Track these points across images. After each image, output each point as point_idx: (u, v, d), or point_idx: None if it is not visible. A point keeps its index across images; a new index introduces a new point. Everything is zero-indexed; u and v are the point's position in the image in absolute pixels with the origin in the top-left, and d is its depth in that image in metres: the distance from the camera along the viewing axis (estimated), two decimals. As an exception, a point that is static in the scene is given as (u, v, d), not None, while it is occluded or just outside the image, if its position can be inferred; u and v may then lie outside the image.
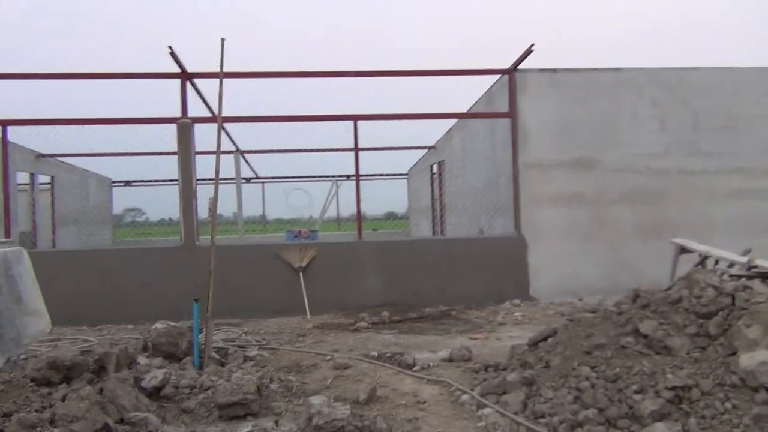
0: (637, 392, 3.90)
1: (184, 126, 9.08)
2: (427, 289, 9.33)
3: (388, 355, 6.26)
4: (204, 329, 6.22)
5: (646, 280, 9.34)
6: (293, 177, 20.20)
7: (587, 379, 4.22)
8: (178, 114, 9.25)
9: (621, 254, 9.60)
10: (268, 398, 4.81)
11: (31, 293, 5.44)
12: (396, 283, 9.30)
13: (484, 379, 5.07)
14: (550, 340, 5.21)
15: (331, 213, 23.41)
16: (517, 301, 9.22)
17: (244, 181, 21.83)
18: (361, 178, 23.02)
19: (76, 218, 17.25)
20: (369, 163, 22.47)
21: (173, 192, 23.85)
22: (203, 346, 6.01)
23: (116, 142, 11.82)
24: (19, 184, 14.46)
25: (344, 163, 19.15)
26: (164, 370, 5.05)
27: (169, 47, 8.76)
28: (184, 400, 4.77)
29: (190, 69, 9.33)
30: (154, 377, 4.85)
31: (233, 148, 15.53)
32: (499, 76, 10.16)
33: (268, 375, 5.42)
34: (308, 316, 8.85)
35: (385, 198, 23.41)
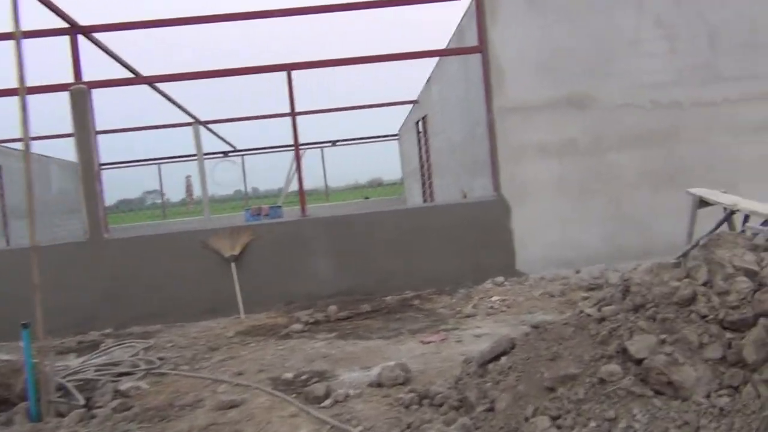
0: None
1: (80, 93, 7.39)
2: (391, 271, 7.63)
3: (304, 377, 4.64)
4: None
5: (659, 241, 7.60)
6: (273, 147, 18.44)
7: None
8: (72, 79, 7.55)
9: (626, 211, 7.80)
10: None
11: None
12: (352, 266, 7.62)
13: (408, 426, 3.40)
14: (503, 359, 3.51)
15: (318, 183, 21.69)
16: (500, 279, 7.49)
17: (223, 155, 20.21)
18: (349, 141, 21.26)
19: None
20: (357, 124, 20.73)
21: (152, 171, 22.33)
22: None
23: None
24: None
25: (334, 126, 17.41)
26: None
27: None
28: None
29: (87, 20, 7.61)
30: None
31: (189, 120, 13.83)
32: (467, 1, 8.28)
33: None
34: (242, 316, 7.23)
35: (379, 163, 21.65)
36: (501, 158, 7.72)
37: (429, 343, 5.18)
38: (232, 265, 7.41)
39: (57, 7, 7.15)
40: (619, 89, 7.77)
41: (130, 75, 8.59)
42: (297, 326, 6.21)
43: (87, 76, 7.61)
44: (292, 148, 14.95)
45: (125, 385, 4.84)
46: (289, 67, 7.57)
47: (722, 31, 7.86)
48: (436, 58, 11.60)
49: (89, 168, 7.42)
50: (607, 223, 7.76)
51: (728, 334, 2.52)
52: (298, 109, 8.35)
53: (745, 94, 7.85)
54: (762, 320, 2.42)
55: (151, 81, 7.88)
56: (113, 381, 4.96)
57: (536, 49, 7.72)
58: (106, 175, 21.04)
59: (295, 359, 5.17)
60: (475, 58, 8.19)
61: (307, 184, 21.77)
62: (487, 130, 7.93)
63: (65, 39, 7.58)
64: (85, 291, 7.32)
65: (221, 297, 7.41)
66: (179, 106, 12.22)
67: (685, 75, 7.81)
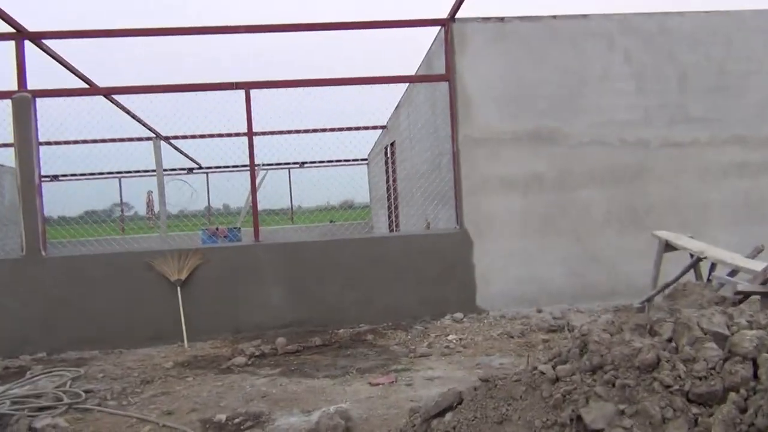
0: None
1: (22, 102, 6.97)
2: (347, 302, 7.29)
3: (237, 420, 4.27)
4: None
5: (624, 281, 7.44)
6: (237, 166, 17.98)
7: None
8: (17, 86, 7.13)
9: (591, 250, 7.59)
10: None
11: None
12: (306, 296, 7.26)
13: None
14: (449, 416, 3.19)
15: (286, 203, 21.25)
16: (459, 315, 7.20)
17: (188, 171, 19.72)
18: (318, 164, 20.94)
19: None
20: (328, 146, 20.39)
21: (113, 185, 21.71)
22: None
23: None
24: None
25: (304, 147, 17.10)
26: None
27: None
28: None
29: (39, 27, 7.23)
30: None
31: (149, 134, 13.39)
32: (437, 28, 8.07)
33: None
34: (185, 345, 6.80)
35: (348, 187, 21.30)
36: (465, 190, 7.47)
37: (377, 385, 4.84)
38: (178, 289, 7.01)
39: (3, 12, 6.76)
40: (587, 125, 7.61)
41: (84, 85, 8.19)
42: (240, 359, 5.81)
43: (39, 86, 7.21)
44: (273, 166, 14.60)
45: (42, 422, 4.40)
46: (247, 86, 7.25)
47: (691, 73, 7.78)
48: (406, 84, 11.41)
49: (29, 180, 6.98)
50: (572, 261, 7.54)
51: (694, 409, 2.24)
52: (264, 127, 8.05)
53: (714, 137, 7.75)
54: (732, 395, 2.15)
55: (103, 93, 7.49)
56: (30, 416, 4.53)
57: (504, 80, 7.53)
58: (67, 186, 20.43)
59: (232, 398, 4.79)
60: (443, 87, 7.98)
61: (276, 204, 21.40)
62: (451, 161, 7.69)
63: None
64: (18, 312, 6.84)
65: (165, 323, 6.99)
66: (139, 120, 11.79)
67: (653, 114, 7.69)
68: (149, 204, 19.46)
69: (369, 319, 7.25)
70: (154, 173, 15.63)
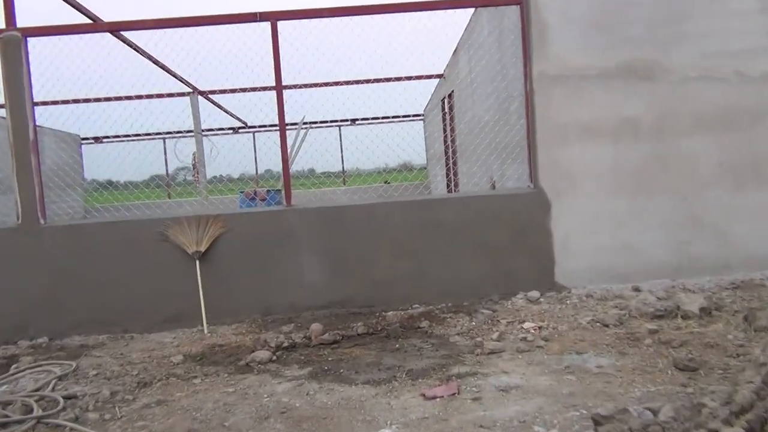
0: None
1: (10, 42, 5.90)
2: (397, 277, 6.06)
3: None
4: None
5: (739, 250, 5.99)
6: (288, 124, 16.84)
7: None
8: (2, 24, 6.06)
9: (698, 211, 6.11)
10: None
11: None
12: (348, 270, 6.06)
13: None
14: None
15: (338, 165, 20.01)
16: (534, 294, 5.88)
17: (234, 131, 18.74)
18: (371, 121, 19.60)
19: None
20: (383, 99, 19.02)
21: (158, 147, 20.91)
22: None
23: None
24: None
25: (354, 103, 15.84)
26: None
27: None
28: None
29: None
30: None
31: (187, 89, 12.33)
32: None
33: None
34: (205, 330, 5.72)
35: (404, 146, 19.94)
36: (540, 140, 6.07)
37: (433, 398, 3.61)
38: (197, 263, 5.91)
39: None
40: (694, 56, 6.05)
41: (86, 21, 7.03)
42: (263, 354, 4.66)
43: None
44: (307, 126, 13.40)
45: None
46: (274, 17, 5.97)
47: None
48: (464, 27, 9.95)
49: (22, 136, 5.93)
50: (674, 225, 6.08)
51: None
52: (300, 74, 6.83)
53: None
54: None
55: (107, 29, 6.30)
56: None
57: (589, 0, 6.04)
58: (119, 148, 19.69)
59: (243, 412, 3.65)
60: (513, 15, 6.54)
61: (328, 166, 20.26)
62: (524, 105, 6.28)
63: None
64: (16, 290, 5.88)
65: (182, 304, 5.92)
66: (166, 69, 10.69)
67: (783, 39, 6.07)
68: (195, 166, 18.67)
69: (423, 298, 6.01)
70: (189, 134, 14.75)
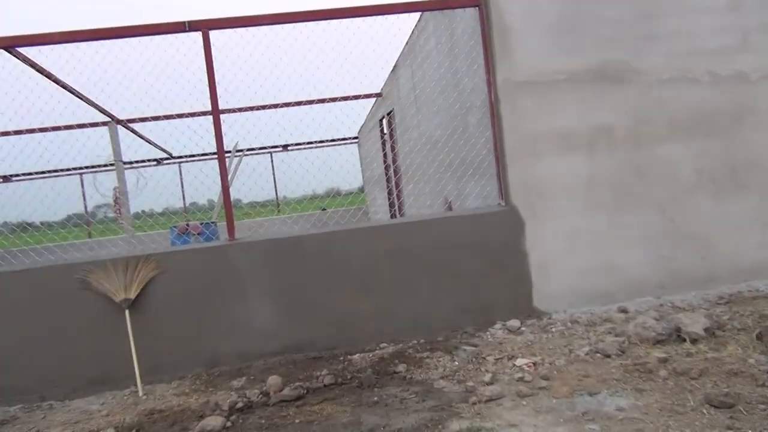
0: None
1: None
2: (359, 314, 5.36)
3: None
4: None
5: (725, 261, 5.58)
6: (208, 153, 15.87)
7: None
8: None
9: (679, 223, 5.69)
10: None
11: None
12: (303, 309, 5.31)
13: None
14: None
15: (269, 194, 19.08)
16: (514, 323, 5.29)
17: (157, 162, 17.61)
18: (303, 146, 18.87)
19: None
20: (317, 123, 18.29)
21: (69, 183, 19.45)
22: None
23: None
24: None
25: (284, 129, 15.01)
26: None
27: None
28: None
29: None
30: None
31: (104, 118, 11.29)
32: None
33: None
34: (139, 391, 4.84)
35: (336, 171, 19.28)
36: (509, 153, 5.52)
37: (438, 469, 2.92)
38: (126, 313, 5.03)
39: None
40: (666, 57, 5.68)
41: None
42: (214, 421, 3.85)
43: None
44: (241, 153, 12.54)
45: None
46: (205, 25, 5.23)
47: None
48: (404, 40, 9.44)
49: None
50: (655, 239, 5.64)
51: None
52: (233, 94, 6.11)
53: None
54: None
55: (2, 45, 5.37)
56: None
57: (554, 0, 5.58)
58: (29, 186, 18.17)
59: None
60: (466, 22, 6.03)
61: (256, 195, 19.29)
62: (486, 116, 5.74)
63: None
64: None
65: (111, 361, 5.02)
66: (82, 97, 9.69)
67: (754, 38, 5.77)
68: (117, 201, 17.43)
69: (391, 335, 5.33)
70: (110, 167, 13.63)
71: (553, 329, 5.09)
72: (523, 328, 5.21)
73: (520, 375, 4.06)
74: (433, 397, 3.89)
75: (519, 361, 4.31)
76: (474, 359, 4.53)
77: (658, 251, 5.64)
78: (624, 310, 5.33)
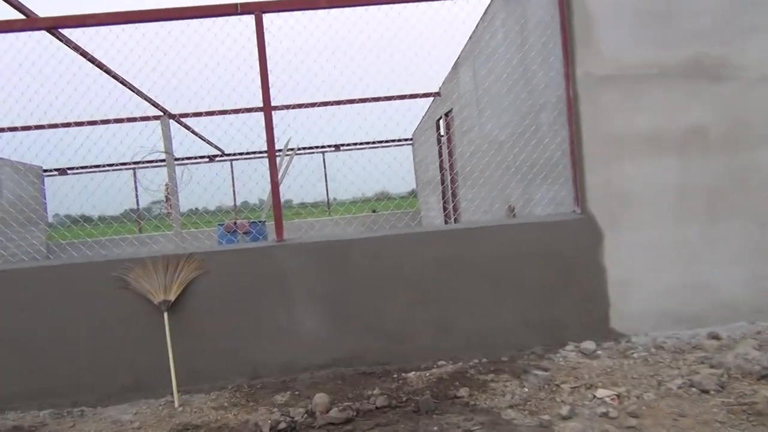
0: None
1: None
2: (414, 326, 4.87)
3: None
4: None
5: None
6: (260, 152, 15.60)
7: None
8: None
9: (782, 240, 5.02)
10: None
11: None
12: (354, 319, 4.85)
13: None
14: None
15: (319, 195, 18.76)
16: (589, 345, 4.71)
17: (209, 159, 17.50)
18: (356, 146, 18.47)
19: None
20: (365, 126, 17.90)
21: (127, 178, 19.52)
22: None
23: None
24: None
25: (335, 129, 14.72)
26: None
27: None
28: None
29: None
30: None
31: (157, 112, 11.11)
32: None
33: None
34: (175, 402, 4.46)
35: (386, 173, 18.81)
36: (588, 155, 4.95)
37: None
38: (165, 316, 4.66)
39: None
40: (769, 51, 5.03)
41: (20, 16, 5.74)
42: (252, 444, 3.42)
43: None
44: (292, 151, 12.21)
45: None
46: (258, 7, 4.83)
47: None
48: (467, 35, 8.93)
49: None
50: (754, 256, 4.98)
51: None
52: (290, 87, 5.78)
53: None
54: None
55: (45, 25, 5.04)
56: None
57: (643, -12, 5.00)
58: (86, 180, 18.30)
59: None
60: (540, 11, 5.49)
61: (307, 196, 19.00)
62: (562, 114, 5.19)
63: None
64: (-69, 354, 4.59)
65: (146, 367, 4.66)
66: (135, 89, 9.49)
67: None
68: (168, 198, 17.37)
69: (449, 352, 4.82)
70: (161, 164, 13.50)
71: (635, 355, 4.50)
72: (599, 352, 4.63)
73: (603, 410, 3.50)
74: (501, 431, 3.37)
75: (600, 392, 3.75)
76: (546, 386, 3.98)
77: (755, 270, 4.98)
78: (715, 336, 4.70)
